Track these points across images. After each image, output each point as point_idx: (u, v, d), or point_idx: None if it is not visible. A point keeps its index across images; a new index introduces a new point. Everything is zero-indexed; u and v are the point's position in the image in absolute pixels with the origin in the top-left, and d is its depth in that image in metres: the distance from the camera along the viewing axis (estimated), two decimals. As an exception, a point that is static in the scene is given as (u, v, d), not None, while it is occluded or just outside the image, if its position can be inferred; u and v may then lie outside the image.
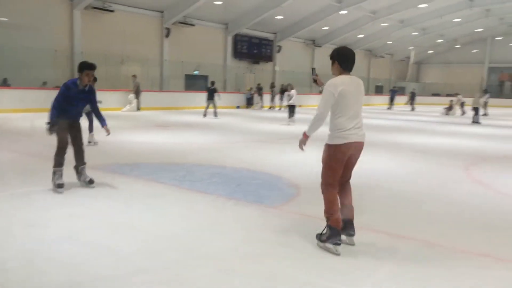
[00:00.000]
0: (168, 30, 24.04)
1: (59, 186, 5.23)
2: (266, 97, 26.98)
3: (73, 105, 5.34)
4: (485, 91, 27.07)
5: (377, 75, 44.13)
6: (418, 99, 34.90)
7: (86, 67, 5.25)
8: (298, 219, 4.59)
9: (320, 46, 35.31)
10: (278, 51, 31.51)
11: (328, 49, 36.38)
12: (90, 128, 9.16)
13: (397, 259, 3.56)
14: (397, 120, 20.53)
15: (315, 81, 4.25)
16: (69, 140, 5.37)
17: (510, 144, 12.07)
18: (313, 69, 4.48)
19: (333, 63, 3.83)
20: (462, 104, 25.86)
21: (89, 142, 8.95)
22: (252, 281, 3.08)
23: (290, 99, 16.13)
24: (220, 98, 17.86)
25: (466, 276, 3.27)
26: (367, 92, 40.78)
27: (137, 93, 19.83)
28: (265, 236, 3.97)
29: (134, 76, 20.07)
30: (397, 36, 39.01)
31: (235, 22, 27.61)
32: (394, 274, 3.25)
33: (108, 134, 5.64)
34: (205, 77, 25.43)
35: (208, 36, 26.84)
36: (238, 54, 28.73)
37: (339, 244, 3.60)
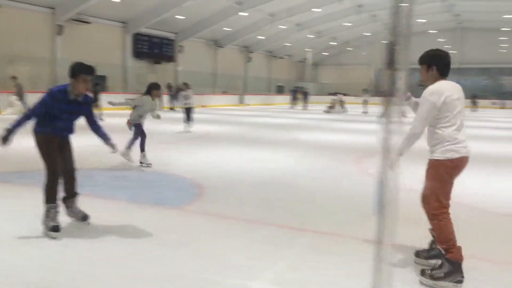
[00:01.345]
0: (61, 27, 22.59)
1: (54, 229, 3.86)
2: (166, 98, 26.56)
3: (61, 119, 4.03)
4: (365, 91, 29.21)
5: (278, 75, 45.69)
6: (316, 98, 36.86)
7: (83, 70, 3.94)
8: (201, 218, 4.63)
9: (222, 47, 35.63)
10: (180, 51, 31.20)
11: (230, 49, 36.97)
12: (142, 147, 7.47)
13: (296, 250, 3.77)
14: (295, 118, 21.49)
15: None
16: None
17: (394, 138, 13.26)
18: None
19: (428, 68, 3.35)
20: (342, 103, 27.76)
21: (141, 163, 7.40)
22: (156, 284, 3.06)
23: (186, 100, 13.85)
24: (100, 99, 15.83)
25: (356, 262, 3.55)
26: (268, 92, 42.09)
27: (20, 95, 18.13)
28: (167, 238, 3.95)
29: (13, 77, 18.17)
30: (295, 38, 40.80)
31: (135, 21, 26.79)
32: (294, 265, 3.44)
33: (114, 151, 4.49)
34: (103, 77, 24.33)
35: (105, 35, 25.72)
36: (138, 54, 27.92)
37: (461, 282, 3.08)
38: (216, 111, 25.48)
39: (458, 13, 40.52)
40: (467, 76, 47.58)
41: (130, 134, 7.65)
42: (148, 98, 7.64)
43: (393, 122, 1.84)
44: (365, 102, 27.41)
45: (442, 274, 3.09)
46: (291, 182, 6.54)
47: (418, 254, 3.54)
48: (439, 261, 3.22)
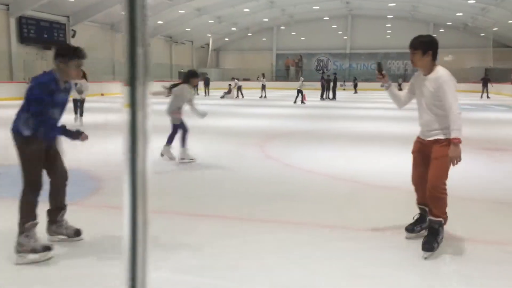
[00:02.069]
0: None
1: (45, 249, 3.30)
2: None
3: (54, 116, 3.43)
4: (263, 75, 29.97)
5: (180, 61, 44.95)
6: (218, 84, 36.96)
7: (78, 54, 3.43)
8: (100, 212, 4.49)
9: (120, 32, 34.07)
10: (73, 36, 29.24)
11: (127, 35, 35.46)
12: (183, 142, 6.98)
13: (197, 236, 3.83)
14: (201, 105, 21.44)
15: (382, 76, 3.78)
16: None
17: (291, 122, 13.85)
18: (379, 64, 3.97)
19: (425, 53, 3.45)
20: (239, 88, 28.10)
21: (182, 159, 6.94)
22: (59, 285, 2.94)
23: (79, 90, 11.27)
24: None
25: (254, 243, 3.72)
26: (170, 79, 41.26)
27: None
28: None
29: None
30: (196, 24, 40.35)
31: (18, 3, 24.49)
32: (194, 251, 3.50)
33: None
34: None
35: (-16, 18, 23.22)
36: (25, 39, 25.61)
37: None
38: (117, 99, 24.47)
39: (348, 1, 43.00)
40: (358, 60, 50.95)
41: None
42: (187, 87, 7.03)
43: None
44: (263, 87, 28.00)
45: (441, 240, 3.47)
46: (195, 169, 6.57)
47: (413, 229, 3.78)
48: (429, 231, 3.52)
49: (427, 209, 3.66)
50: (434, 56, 3.48)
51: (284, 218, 4.34)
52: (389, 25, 47.89)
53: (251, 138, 9.95)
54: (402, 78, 41.57)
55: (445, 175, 3.47)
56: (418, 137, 3.71)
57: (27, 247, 3.25)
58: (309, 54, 52.14)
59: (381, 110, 19.04)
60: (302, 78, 25.00)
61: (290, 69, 53.63)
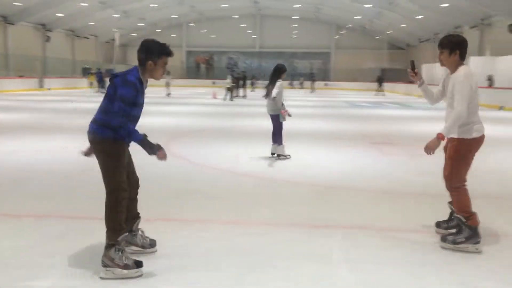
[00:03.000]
0: None
1: (137, 265, 3.01)
2: None
3: (133, 118, 3.10)
4: (168, 73, 28.80)
5: (83, 57, 42.66)
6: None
7: (166, 51, 3.13)
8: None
9: (13, 24, 31.47)
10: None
11: (24, 27, 32.87)
12: (275, 138, 7.21)
13: (98, 239, 3.72)
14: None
15: (415, 74, 3.83)
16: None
17: (199, 120, 13.87)
18: (412, 62, 3.94)
19: (451, 52, 3.52)
20: None
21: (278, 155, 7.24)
22: None
23: None
24: None
25: (163, 240, 3.70)
26: (72, 75, 38.97)
27: None
28: None
29: None
30: (100, 17, 38.54)
31: None
32: (93, 255, 3.40)
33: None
34: None
35: None
36: None
37: (479, 243, 3.46)
38: (11, 97, 22.57)
39: (257, 0, 43.88)
40: (267, 59, 52.15)
41: None
42: (282, 83, 7.14)
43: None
44: (168, 84, 27.49)
45: (463, 239, 3.47)
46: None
47: (439, 224, 3.92)
48: (456, 229, 3.61)
49: (454, 209, 3.77)
50: (462, 56, 3.56)
51: (189, 216, 4.37)
52: (295, 25, 49.74)
53: (157, 136, 9.77)
54: (304, 77, 42.88)
55: (456, 173, 3.57)
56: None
57: (118, 261, 2.96)
58: (220, 52, 52.36)
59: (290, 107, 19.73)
60: (229, 76, 24.97)
61: (201, 66, 53.46)
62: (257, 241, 3.68)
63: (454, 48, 3.52)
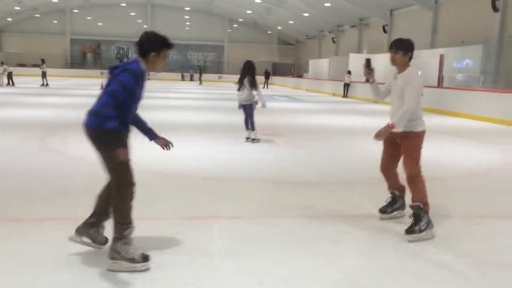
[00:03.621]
0: None
1: (145, 259, 2.99)
2: None
3: (133, 110, 3.11)
4: (42, 61, 26.03)
5: None
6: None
7: (168, 43, 3.15)
8: None
9: None
10: None
11: None
12: (248, 125, 8.47)
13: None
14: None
15: (371, 71, 4.12)
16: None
17: (82, 112, 13.10)
18: (368, 60, 4.14)
19: (405, 54, 3.86)
20: (10, 75, 24.70)
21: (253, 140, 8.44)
22: None
23: None
24: None
25: (30, 242, 3.45)
26: None
27: None
28: None
29: None
30: (-34, -2, 34.32)
31: None
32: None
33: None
34: None
35: None
36: None
37: (433, 226, 3.75)
38: None
39: (147, -11, 42.53)
40: (160, 50, 50.90)
41: None
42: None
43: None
44: (44, 75, 25.36)
45: (425, 225, 3.70)
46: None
47: (384, 210, 4.17)
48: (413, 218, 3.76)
49: (397, 193, 4.13)
50: (410, 58, 3.91)
51: (60, 215, 4.13)
52: (188, 17, 49.21)
53: (31, 130, 9.08)
54: (194, 70, 42.75)
55: (416, 164, 3.83)
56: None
57: (125, 255, 2.94)
58: (108, 41, 49.83)
59: (185, 100, 19.56)
60: (44, 65, 23.02)
61: (87, 56, 50.40)
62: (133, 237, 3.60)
63: (408, 50, 3.89)
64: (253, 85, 8.20)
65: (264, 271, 3.04)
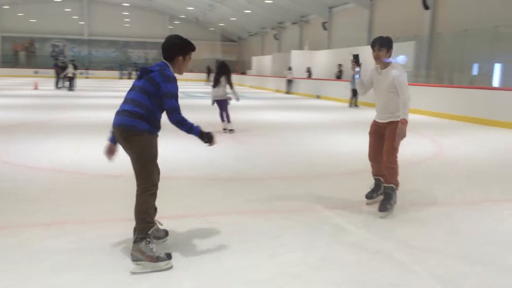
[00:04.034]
0: None
1: (168, 257, 2.97)
2: None
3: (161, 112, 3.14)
4: None
5: None
6: None
7: (192, 46, 3.18)
8: None
9: None
10: None
11: None
12: (224, 118, 9.51)
13: None
14: None
15: (359, 67, 4.37)
16: None
17: (14, 113, 12.42)
18: (356, 56, 4.41)
19: (388, 51, 4.15)
20: None
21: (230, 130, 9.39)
22: None
23: None
24: None
25: None
26: None
27: None
28: None
29: None
30: None
31: None
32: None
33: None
34: None
35: None
36: None
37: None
38: None
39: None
40: (98, 47, 49.29)
41: None
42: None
43: None
44: None
45: (394, 202, 4.19)
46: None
47: (370, 196, 4.50)
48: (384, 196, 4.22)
49: (381, 179, 4.39)
50: (391, 54, 4.20)
51: (-10, 222, 3.87)
52: (127, 13, 47.86)
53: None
54: (132, 68, 41.60)
55: (394, 151, 4.17)
56: (374, 120, 4.37)
57: (150, 253, 2.95)
58: (42, 38, 47.44)
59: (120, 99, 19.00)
60: (70, 65, 22.55)
61: (20, 54, 47.70)
62: (65, 242, 3.43)
63: (390, 46, 4.17)
64: (230, 83, 9.41)
65: (205, 267, 3.00)
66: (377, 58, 4.19)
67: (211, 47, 49.70)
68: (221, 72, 9.39)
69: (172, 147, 7.82)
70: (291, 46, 32.30)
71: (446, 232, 3.85)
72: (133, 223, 3.13)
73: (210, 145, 3.30)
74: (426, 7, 18.82)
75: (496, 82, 15.57)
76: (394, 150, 4.16)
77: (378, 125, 4.28)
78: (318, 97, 22.34)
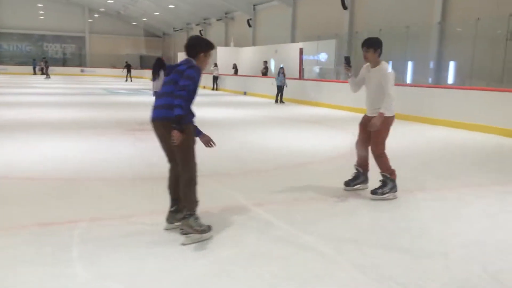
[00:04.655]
0: None
1: (209, 228, 3.53)
2: None
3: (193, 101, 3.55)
4: None
5: None
6: None
7: (212, 45, 3.68)
8: None
9: None
10: None
11: None
12: None
13: None
14: None
15: (348, 69, 4.73)
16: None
17: None
18: (348, 58, 4.74)
19: (375, 51, 4.49)
20: None
21: None
22: None
23: None
24: None
25: None
26: None
27: None
28: None
29: None
30: None
31: None
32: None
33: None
34: None
35: None
36: None
37: (397, 191, 4.67)
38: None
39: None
40: (9, 41, 45.83)
41: None
42: None
43: None
44: None
45: (388, 190, 4.61)
46: None
47: (348, 183, 4.96)
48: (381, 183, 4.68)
49: (360, 170, 4.90)
50: (380, 54, 4.54)
51: None
52: (41, 5, 44.90)
53: None
54: (44, 62, 39.14)
55: (382, 142, 4.62)
56: (365, 114, 4.77)
57: (197, 227, 3.41)
58: None
59: (35, 95, 17.81)
60: None
61: None
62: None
63: (377, 47, 4.53)
64: (154, 75, 10.54)
65: (131, 272, 2.89)
66: (365, 58, 4.61)
67: (134, 42, 48.16)
68: (158, 67, 9.91)
69: (93, 149, 7.49)
70: (217, 42, 31.97)
71: (367, 223, 4.04)
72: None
73: (204, 141, 3.79)
74: (344, 7, 19.65)
75: (408, 79, 16.67)
76: (380, 141, 4.62)
77: (366, 119, 4.73)
78: (245, 93, 22.49)
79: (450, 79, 15.33)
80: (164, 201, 4.51)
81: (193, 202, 3.49)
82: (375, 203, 4.62)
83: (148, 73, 38.92)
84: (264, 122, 11.74)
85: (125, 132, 8.96)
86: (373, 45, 4.54)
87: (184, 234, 3.43)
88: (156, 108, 3.51)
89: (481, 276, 2.98)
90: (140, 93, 21.87)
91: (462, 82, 14.54)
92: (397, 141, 9.11)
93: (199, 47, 3.58)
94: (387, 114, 4.49)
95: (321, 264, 3.11)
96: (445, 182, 5.56)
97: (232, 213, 4.18)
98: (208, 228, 3.50)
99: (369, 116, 4.72)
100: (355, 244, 3.50)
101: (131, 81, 33.44)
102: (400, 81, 16.09)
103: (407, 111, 11.50)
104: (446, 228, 3.93)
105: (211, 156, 7.03)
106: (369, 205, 4.55)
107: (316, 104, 16.31)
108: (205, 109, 15.03)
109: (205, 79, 27.56)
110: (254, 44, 28.05)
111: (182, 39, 42.86)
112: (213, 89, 25.41)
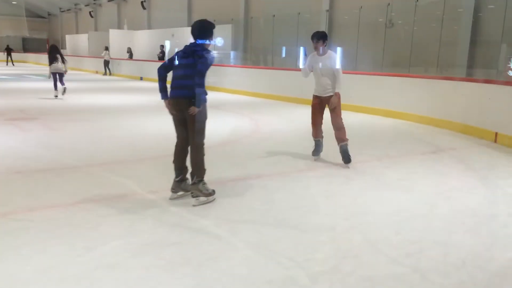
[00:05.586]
0: None
1: (214, 192, 4.17)
2: None
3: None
4: None
5: None
6: None
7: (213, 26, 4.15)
8: None
9: None
10: None
11: None
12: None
13: None
14: None
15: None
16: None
17: None
18: (305, 49, 6.02)
19: (323, 42, 5.53)
20: None
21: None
22: None
23: None
24: None
25: None
26: None
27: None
28: None
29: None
30: None
31: None
32: None
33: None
34: None
35: None
36: None
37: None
38: None
39: None
40: None
41: None
42: None
43: None
44: None
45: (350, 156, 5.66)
46: None
47: (316, 154, 5.87)
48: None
49: (320, 139, 5.79)
50: (327, 44, 5.56)
51: None
52: None
53: None
54: None
55: (340, 116, 5.54)
56: (315, 95, 5.65)
57: (205, 192, 4.07)
58: None
59: None
60: None
61: None
62: None
63: (325, 39, 5.54)
64: (63, 59, 12.22)
65: (15, 270, 2.69)
66: (316, 48, 5.53)
67: (15, 23, 43.79)
68: (54, 52, 12.28)
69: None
70: (109, 25, 30.51)
71: (261, 203, 4.18)
72: None
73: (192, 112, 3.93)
74: (240, -8, 19.80)
75: (301, 64, 17.36)
76: (340, 115, 5.54)
77: (320, 98, 5.60)
78: (141, 78, 21.73)
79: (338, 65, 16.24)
80: (49, 195, 4.22)
81: (202, 170, 4.09)
82: (267, 183, 4.80)
83: (33, 56, 35.92)
84: (159, 108, 11.45)
85: (5, 122, 8.19)
86: (322, 38, 5.52)
87: (194, 197, 4.06)
88: (177, 88, 3.99)
89: (362, 245, 3.27)
90: (24, 79, 20.05)
91: (348, 68, 15.54)
92: (291, 123, 9.52)
93: (208, 31, 4.05)
94: (338, 90, 5.49)
95: (215, 246, 3.17)
96: (334, 161, 5.94)
97: (125, 202, 4.07)
98: (213, 192, 4.11)
99: (321, 97, 5.60)
100: (249, 224, 3.61)
101: (13, 65, 30.49)
102: (294, 66, 16.76)
103: (302, 95, 11.97)
104: (332, 203, 4.23)
105: (104, 145, 6.75)
106: (262, 185, 4.71)
107: (214, 88, 16.34)
108: (99, 95, 14.29)
109: (98, 63, 26.11)
110: (149, 27, 27.09)
111: (71, 20, 40.01)
112: (104, 74, 24.13)
